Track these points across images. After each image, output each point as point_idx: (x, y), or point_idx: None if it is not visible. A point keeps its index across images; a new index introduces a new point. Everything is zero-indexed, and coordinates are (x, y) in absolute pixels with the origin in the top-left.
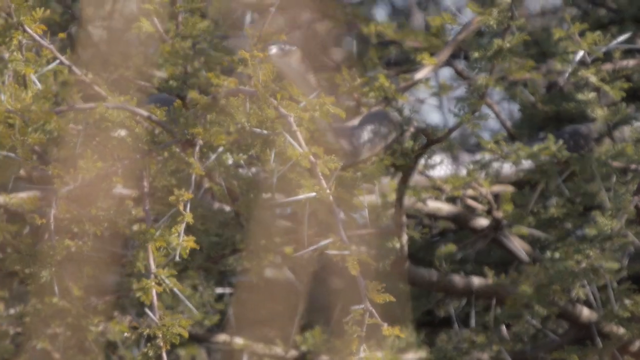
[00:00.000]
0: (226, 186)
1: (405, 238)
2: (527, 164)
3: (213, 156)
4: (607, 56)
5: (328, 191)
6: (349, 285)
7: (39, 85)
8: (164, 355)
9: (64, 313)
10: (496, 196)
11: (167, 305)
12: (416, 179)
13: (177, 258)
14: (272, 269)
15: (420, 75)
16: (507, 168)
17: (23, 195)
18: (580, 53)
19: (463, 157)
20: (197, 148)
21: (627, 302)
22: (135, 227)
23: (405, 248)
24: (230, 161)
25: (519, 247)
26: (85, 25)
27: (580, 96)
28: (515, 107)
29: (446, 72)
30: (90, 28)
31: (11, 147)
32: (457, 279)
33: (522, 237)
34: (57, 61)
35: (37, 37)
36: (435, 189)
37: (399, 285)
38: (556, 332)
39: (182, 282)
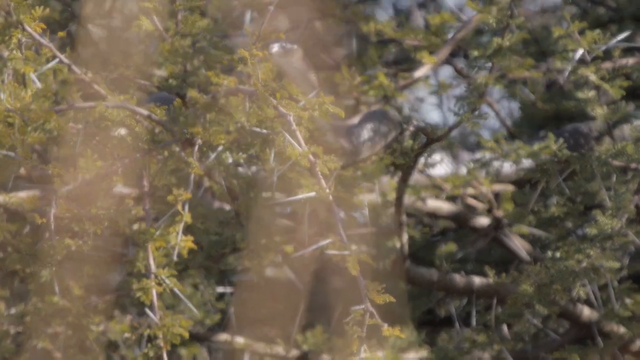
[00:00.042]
0: (226, 185)
1: (405, 237)
2: (527, 162)
3: (213, 155)
4: (607, 54)
5: (328, 190)
6: (350, 285)
7: (39, 84)
8: (165, 355)
9: (64, 312)
10: (496, 195)
11: (168, 304)
12: (416, 177)
13: (176, 258)
14: (272, 268)
15: (419, 73)
16: (508, 167)
17: (23, 194)
18: (580, 51)
19: (463, 156)
20: (197, 147)
21: (627, 301)
22: (136, 227)
23: (406, 247)
24: (230, 160)
25: (519, 246)
26: (84, 24)
27: (580, 94)
28: (515, 106)
29: (446, 71)
30: (89, 26)
31: (11, 146)
32: (458, 278)
33: (523, 236)
34: (57, 60)
35: (37, 36)
36: (435, 187)
37: (399, 284)
38: (557, 331)
39: (183, 281)
